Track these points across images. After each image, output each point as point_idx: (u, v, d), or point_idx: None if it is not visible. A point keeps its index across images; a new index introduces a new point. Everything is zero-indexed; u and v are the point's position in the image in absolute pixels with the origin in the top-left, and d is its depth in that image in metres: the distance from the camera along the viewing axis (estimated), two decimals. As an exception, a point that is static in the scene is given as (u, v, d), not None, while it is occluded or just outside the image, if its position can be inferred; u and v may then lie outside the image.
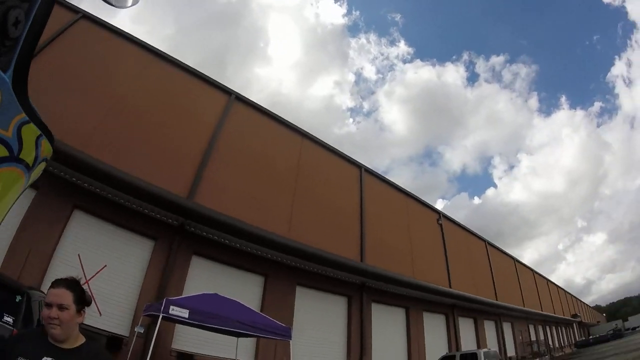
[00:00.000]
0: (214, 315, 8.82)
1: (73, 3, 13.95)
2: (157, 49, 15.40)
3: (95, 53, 13.69)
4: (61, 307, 1.90)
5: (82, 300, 2.02)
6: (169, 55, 15.65)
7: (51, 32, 12.58)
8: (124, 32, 14.88)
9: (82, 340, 2.03)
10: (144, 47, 15.15)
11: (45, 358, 1.83)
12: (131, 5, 1.44)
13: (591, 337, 56.94)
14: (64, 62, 12.57)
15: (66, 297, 1.93)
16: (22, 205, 10.29)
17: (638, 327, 69.72)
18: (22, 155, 0.97)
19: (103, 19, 14.64)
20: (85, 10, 14.20)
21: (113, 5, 1.30)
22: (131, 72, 14.22)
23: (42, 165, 1.15)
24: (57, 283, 1.98)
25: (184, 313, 8.36)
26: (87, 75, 12.98)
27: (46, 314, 1.89)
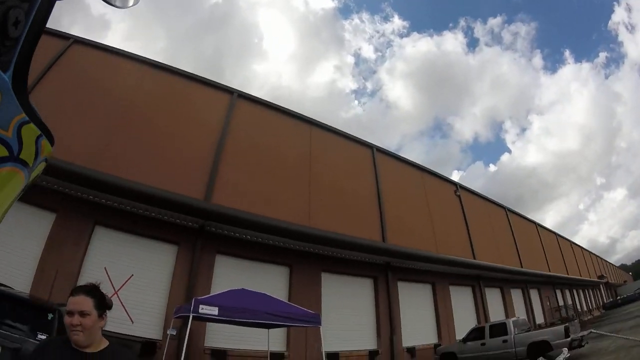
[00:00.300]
0: (243, 309, 8.92)
1: (63, 30, 14.11)
2: (153, 60, 15.54)
3: (93, 74, 13.88)
4: (82, 314, 1.94)
5: (103, 304, 2.08)
6: (165, 64, 15.77)
7: (46, 61, 12.82)
8: (117, 49, 15.06)
9: (105, 343, 2.07)
10: (139, 60, 15.25)
11: None
12: (132, 5, 1.44)
13: (619, 297, 56.08)
14: (63, 88, 12.79)
15: (86, 303, 1.98)
16: (44, 229, 10.67)
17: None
18: (22, 155, 0.97)
19: (95, 40, 14.83)
20: (76, 35, 14.41)
21: (114, 6, 1.30)
22: (130, 86, 14.34)
23: (42, 166, 1.15)
24: (76, 291, 2.03)
25: (214, 310, 8.48)
26: (88, 96, 13.17)
27: (68, 321, 1.94)
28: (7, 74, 0.89)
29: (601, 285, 59.24)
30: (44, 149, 1.10)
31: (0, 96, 0.87)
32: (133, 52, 15.47)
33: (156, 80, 15.20)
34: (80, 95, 13.03)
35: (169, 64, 15.72)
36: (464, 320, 21.01)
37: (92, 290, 2.07)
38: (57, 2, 1.03)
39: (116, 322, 10.53)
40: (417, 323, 18.62)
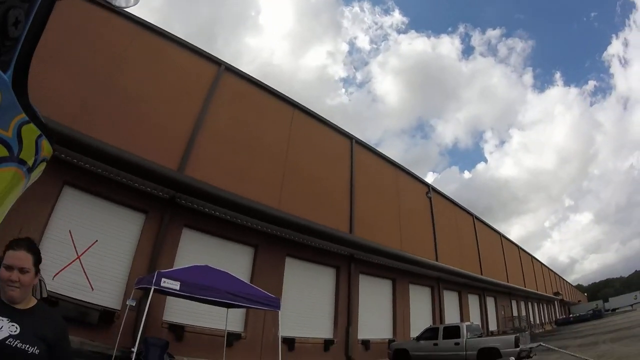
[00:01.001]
0: (205, 286, 8.91)
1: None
2: (145, 21, 14.90)
3: (81, 26, 13.24)
4: (22, 270, 1.88)
5: (39, 261, 2.00)
6: (157, 27, 15.24)
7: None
8: (108, 3, 14.49)
9: (34, 301, 2.00)
10: (131, 19, 14.65)
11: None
12: (133, 5, 1.43)
13: (571, 315, 58.42)
14: (47, 38, 12.22)
15: (27, 260, 1.91)
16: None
17: (618, 308, 71.66)
18: (22, 155, 0.98)
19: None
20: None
21: (113, 5, 1.32)
22: (118, 45, 13.83)
23: (42, 165, 1.17)
24: (18, 245, 1.92)
25: (175, 285, 8.43)
26: (72, 51, 12.57)
27: (6, 276, 1.85)
28: (7, 74, 0.90)
29: (556, 302, 61.29)
30: (44, 148, 1.12)
31: (0, 96, 0.87)
32: (125, 8, 15.02)
33: (145, 41, 14.71)
34: (64, 47, 12.34)
35: (160, 26, 15.28)
36: (419, 319, 21.56)
37: (33, 247, 1.98)
38: (57, 2, 1.05)
39: (76, 288, 10.39)
40: (374, 317, 19.01)
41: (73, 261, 10.69)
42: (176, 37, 15.67)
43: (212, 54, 16.38)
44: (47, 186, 10.68)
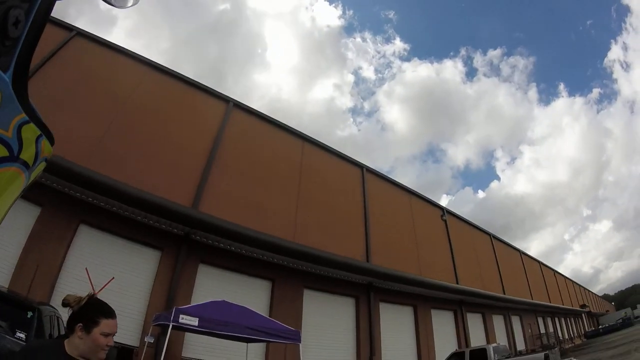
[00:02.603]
0: (223, 322, 8.86)
1: (69, 22, 14.04)
2: (153, 62, 15.50)
3: (92, 69, 13.78)
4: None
5: None
6: (166, 67, 15.76)
7: (46, 51, 12.70)
8: (120, 46, 15.00)
9: None
10: (141, 60, 15.22)
11: None
12: (131, 5, 1.43)
13: (600, 326, 56.58)
14: (61, 80, 12.65)
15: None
16: (28, 223, 10.43)
17: (647, 314, 69.48)
18: (22, 155, 0.97)
19: (98, 35, 14.81)
20: (81, 28, 14.34)
21: (113, 5, 1.30)
22: (129, 85, 14.27)
23: (42, 165, 1.15)
24: (111, 313, 2.16)
25: (194, 321, 8.41)
26: (85, 91, 13.07)
27: (104, 341, 2.03)
28: (7, 74, 0.88)
29: (583, 314, 59.45)
30: (44, 149, 1.10)
31: (0, 96, 0.86)
32: (136, 50, 15.57)
33: (155, 81, 15.18)
34: (77, 89, 12.91)
35: (169, 67, 15.77)
36: (444, 343, 20.95)
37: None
38: (57, 2, 1.03)
39: (93, 326, 10.34)
40: (397, 345, 18.53)
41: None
42: (184, 76, 16.14)
43: (223, 92, 16.90)
44: (63, 224, 10.88)
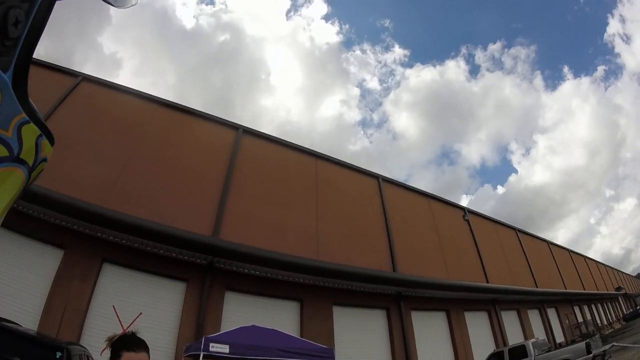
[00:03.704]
0: (254, 346, 8.85)
1: (75, 68, 14.39)
2: (160, 98, 15.93)
3: (102, 111, 14.14)
4: None
5: None
6: (173, 102, 16.18)
7: (54, 98, 13.00)
8: (126, 87, 15.46)
9: None
10: (147, 97, 15.62)
11: None
12: (131, 5, 1.43)
13: (639, 307, 55.23)
14: (72, 124, 12.94)
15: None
16: (52, 265, 10.67)
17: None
18: (22, 155, 0.98)
19: (106, 78, 15.18)
20: (88, 73, 14.69)
21: (112, 5, 1.30)
22: (138, 122, 14.58)
23: (42, 165, 1.16)
24: (140, 347, 2.16)
25: (224, 349, 8.43)
26: (97, 133, 13.35)
27: None
28: (7, 74, 0.90)
29: (619, 297, 58.52)
30: (44, 148, 1.11)
31: (0, 96, 0.87)
32: (144, 88, 15.87)
33: (163, 117, 15.48)
34: (89, 132, 13.21)
35: (178, 101, 16.23)
36: (481, 345, 20.56)
37: (147, 347, 2.23)
38: (57, 2, 1.04)
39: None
40: (433, 352, 18.18)
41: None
42: (192, 109, 16.53)
43: (232, 119, 17.24)
44: (87, 264, 11.11)
